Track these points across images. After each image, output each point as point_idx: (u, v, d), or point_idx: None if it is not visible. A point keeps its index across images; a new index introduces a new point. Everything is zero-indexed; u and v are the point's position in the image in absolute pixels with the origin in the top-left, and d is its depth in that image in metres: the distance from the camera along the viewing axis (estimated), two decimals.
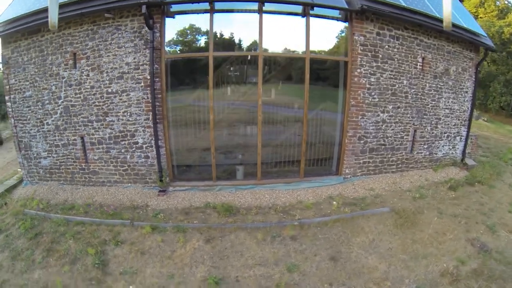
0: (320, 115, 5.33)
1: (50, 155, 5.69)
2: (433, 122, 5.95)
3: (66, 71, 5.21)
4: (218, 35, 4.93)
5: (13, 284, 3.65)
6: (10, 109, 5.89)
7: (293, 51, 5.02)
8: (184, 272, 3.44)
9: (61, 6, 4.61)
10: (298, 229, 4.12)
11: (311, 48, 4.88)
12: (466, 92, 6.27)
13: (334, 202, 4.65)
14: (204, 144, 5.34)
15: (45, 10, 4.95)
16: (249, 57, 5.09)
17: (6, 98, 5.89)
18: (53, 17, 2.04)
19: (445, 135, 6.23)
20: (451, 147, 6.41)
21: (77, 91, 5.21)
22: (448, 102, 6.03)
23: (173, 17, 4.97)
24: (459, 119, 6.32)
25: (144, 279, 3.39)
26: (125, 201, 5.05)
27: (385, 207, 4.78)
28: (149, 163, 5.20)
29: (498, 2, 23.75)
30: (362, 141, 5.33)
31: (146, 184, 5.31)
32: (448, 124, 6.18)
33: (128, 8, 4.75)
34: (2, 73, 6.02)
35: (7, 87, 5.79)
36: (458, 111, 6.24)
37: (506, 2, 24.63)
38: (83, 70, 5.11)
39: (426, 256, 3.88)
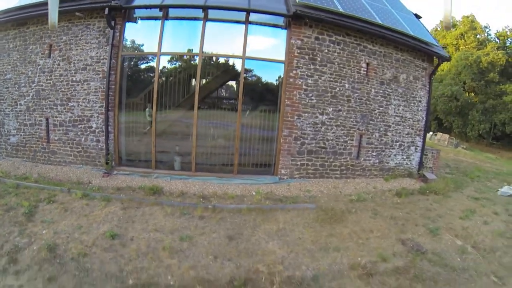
0: (258, 117, 6.14)
1: (18, 133, 6.95)
2: (381, 129, 6.54)
3: (42, 60, 6.61)
4: (169, 40, 6.09)
5: None
6: None
7: (232, 54, 6.02)
8: (91, 226, 4.24)
9: (43, 4, 6.13)
10: (210, 211, 4.79)
11: (252, 52, 5.88)
12: (420, 101, 6.86)
13: (254, 193, 5.28)
14: (148, 136, 6.30)
15: (33, 5, 6.52)
16: (196, 60, 6.05)
17: None
18: (53, 17, 2.29)
19: (397, 143, 6.75)
20: (405, 157, 6.86)
21: (48, 78, 6.55)
22: (398, 109, 6.63)
23: (136, 22, 6.29)
24: (412, 128, 6.85)
25: (57, 227, 4.22)
26: (73, 178, 6.05)
27: (312, 204, 5.29)
28: (99, 146, 6.25)
29: (478, 35, 25.66)
30: (299, 142, 6.04)
31: (95, 166, 6.31)
32: (400, 133, 6.71)
33: (98, 10, 6.13)
34: None
35: None
36: (411, 119, 6.79)
37: (486, 35, 26.49)
38: (55, 60, 6.48)
39: (339, 249, 4.17)
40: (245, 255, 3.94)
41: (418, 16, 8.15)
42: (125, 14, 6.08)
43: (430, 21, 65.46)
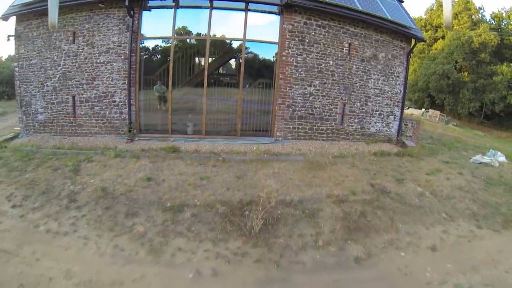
0: (257, 88, 7.66)
1: (46, 111, 8.37)
2: (362, 99, 8.10)
3: (66, 45, 7.98)
4: (180, 26, 7.54)
5: (6, 182, 6.01)
6: (17, 73, 8.65)
7: (235, 37, 7.49)
8: (129, 175, 5.77)
9: None
10: (220, 162, 6.36)
11: (252, 36, 7.36)
12: (398, 76, 8.40)
13: (255, 148, 6.85)
14: (164, 107, 7.80)
15: None
16: (204, 43, 7.58)
17: (15, 64, 8.72)
18: (53, 17, 2.55)
19: (377, 112, 8.32)
20: (384, 125, 8.44)
21: (73, 61, 7.95)
22: (377, 83, 8.18)
23: (150, 10, 7.69)
24: (391, 100, 8.41)
25: (101, 177, 5.73)
26: (101, 145, 7.54)
27: (301, 157, 6.87)
28: (122, 117, 7.73)
29: (473, 16, 27.21)
30: (290, 109, 7.61)
31: (118, 134, 7.81)
32: (380, 103, 8.27)
33: (117, 1, 7.51)
34: (14, 44, 8.82)
35: (17, 55, 8.63)
36: (389, 92, 8.34)
37: (480, 16, 28.12)
38: (79, 45, 7.87)
39: (320, 186, 5.80)
40: (250, 187, 5.54)
41: (400, 0, 9.60)
42: (142, 4, 7.47)
43: (426, 2, 66.39)
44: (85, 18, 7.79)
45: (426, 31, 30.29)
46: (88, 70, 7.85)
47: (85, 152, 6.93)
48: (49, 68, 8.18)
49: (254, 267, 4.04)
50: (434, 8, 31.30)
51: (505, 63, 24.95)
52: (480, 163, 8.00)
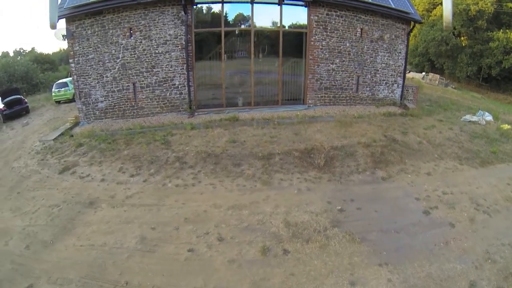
0: (292, 67, 11.25)
1: (106, 99, 11.34)
2: (372, 72, 11.94)
3: (124, 40, 10.92)
4: (227, 18, 10.80)
5: (108, 161, 8.94)
6: (73, 69, 11.47)
7: (272, 27, 10.96)
8: (215, 140, 9.16)
9: None
10: (277, 125, 9.96)
11: (285, 24, 10.81)
12: (400, 53, 12.29)
13: (298, 113, 10.53)
14: (218, 84, 11.16)
15: None
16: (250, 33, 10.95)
17: (70, 60, 11.50)
18: (52, 18, 3.06)
19: (384, 82, 12.23)
20: (390, 91, 12.39)
21: (132, 53, 10.94)
22: (384, 59, 12.02)
23: (196, 5, 10.83)
24: (395, 71, 12.32)
25: (193, 144, 9.06)
26: (166, 122, 10.76)
27: (332, 118, 10.63)
28: (182, 97, 10.98)
29: None
30: (318, 82, 11.32)
31: (179, 112, 11.07)
32: (386, 74, 12.16)
33: (171, 0, 10.52)
34: (68, 42, 11.51)
35: (72, 52, 11.39)
36: (393, 65, 12.25)
37: None
38: (137, 39, 10.85)
39: (351, 137, 9.54)
40: (307, 140, 9.19)
41: None
42: (193, 1, 10.57)
43: None
44: (140, 15, 10.74)
45: None
46: (147, 60, 10.90)
47: (160, 128, 10.13)
48: (107, 61, 11.08)
49: (327, 184, 7.69)
50: None
51: (501, 30, 30.52)
52: (469, 121, 11.42)
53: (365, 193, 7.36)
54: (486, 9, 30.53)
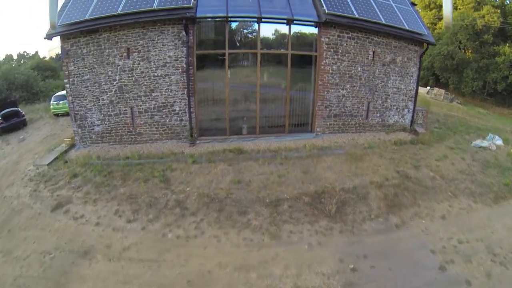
0: (300, 92, 10.57)
1: (103, 123, 10.62)
2: (383, 97, 11.30)
3: (121, 61, 10.13)
4: (232, 38, 10.01)
5: (103, 199, 8.37)
6: (68, 89, 10.67)
7: (280, 50, 10.20)
8: (218, 179, 8.55)
9: (120, 15, 9.53)
10: (284, 159, 9.35)
11: (294, 48, 10.06)
12: (412, 76, 11.62)
13: (306, 145, 9.93)
14: (221, 111, 10.46)
15: (103, 17, 9.76)
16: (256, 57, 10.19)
17: (65, 81, 10.70)
18: (52, 17, 3.01)
19: (394, 107, 11.61)
20: (400, 116, 11.79)
21: (129, 75, 10.17)
22: (395, 83, 11.36)
23: (199, 24, 10.00)
24: (406, 96, 11.69)
25: (195, 184, 8.46)
26: (166, 151, 10.11)
27: (342, 150, 10.05)
28: (182, 124, 10.29)
29: None
30: (327, 109, 10.67)
31: (179, 139, 10.40)
32: (397, 99, 11.53)
33: (171, 20, 9.69)
34: (62, 62, 10.70)
35: (66, 72, 10.59)
36: (405, 89, 11.60)
37: None
38: (135, 60, 10.07)
39: (363, 175, 9.02)
40: (316, 180, 8.62)
41: (413, 4, 12.57)
42: (195, 20, 9.75)
43: None
44: (139, 35, 9.93)
45: (430, 9, 34.23)
46: (145, 83, 10.16)
47: (159, 160, 9.46)
48: (103, 83, 10.31)
49: (339, 236, 7.20)
50: None
51: (507, 44, 30.07)
52: (480, 147, 11.12)
53: (378, 245, 6.96)
54: (493, 23, 30.13)
